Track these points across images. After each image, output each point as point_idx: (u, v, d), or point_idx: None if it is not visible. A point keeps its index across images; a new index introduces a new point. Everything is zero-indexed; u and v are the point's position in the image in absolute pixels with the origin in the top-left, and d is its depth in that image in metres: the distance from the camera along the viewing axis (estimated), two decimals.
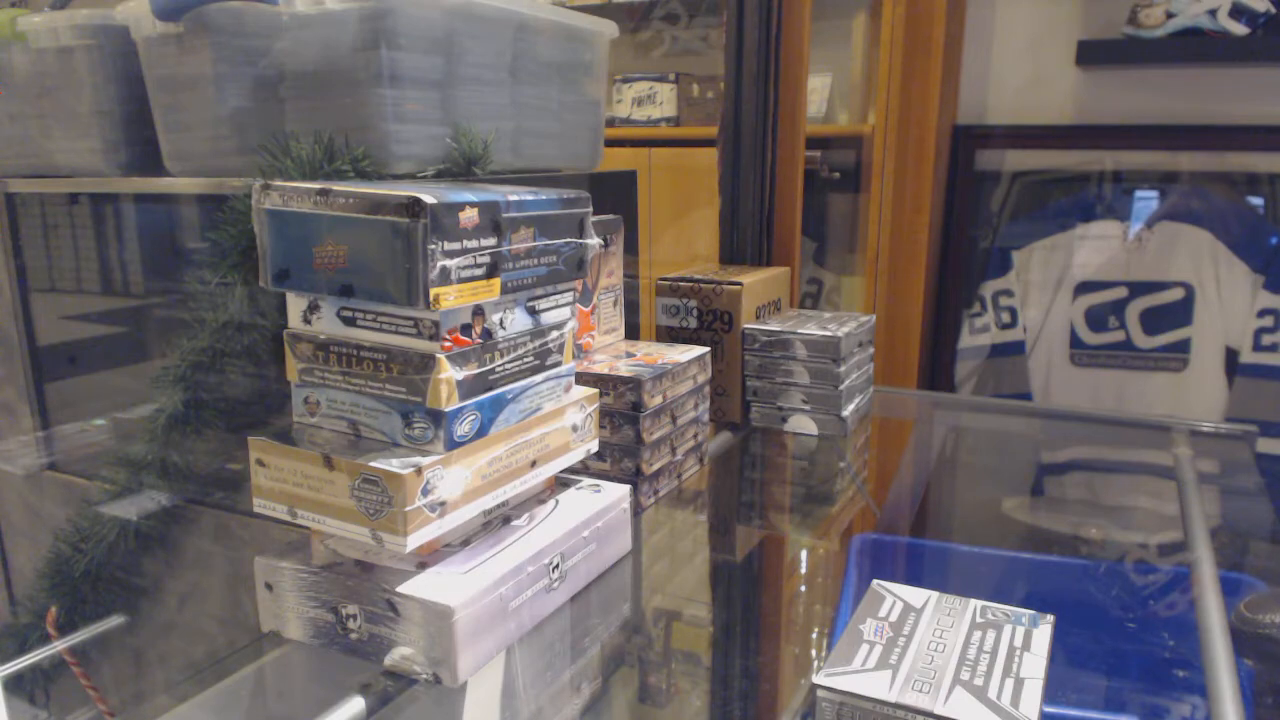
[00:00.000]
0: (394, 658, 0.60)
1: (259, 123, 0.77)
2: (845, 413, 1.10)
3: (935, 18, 1.89)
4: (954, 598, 0.70)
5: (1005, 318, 2.10)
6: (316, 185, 0.59)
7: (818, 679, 0.60)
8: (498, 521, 0.69)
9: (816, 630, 1.14)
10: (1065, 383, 2.08)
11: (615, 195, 1.05)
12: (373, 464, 0.57)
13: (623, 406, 0.85)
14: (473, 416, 0.62)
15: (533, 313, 0.67)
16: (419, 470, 0.57)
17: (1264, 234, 1.92)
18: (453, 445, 0.60)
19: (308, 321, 0.63)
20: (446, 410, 0.59)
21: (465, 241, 0.58)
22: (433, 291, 0.56)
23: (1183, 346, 1.98)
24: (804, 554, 1.25)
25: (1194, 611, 0.71)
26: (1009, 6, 2.09)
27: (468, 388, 0.61)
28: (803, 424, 1.12)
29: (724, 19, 1.30)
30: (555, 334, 0.70)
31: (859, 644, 0.64)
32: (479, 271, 0.60)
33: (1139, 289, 2.01)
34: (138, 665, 0.92)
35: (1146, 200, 2.01)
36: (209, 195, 0.79)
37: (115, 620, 0.89)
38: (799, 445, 1.23)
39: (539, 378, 0.69)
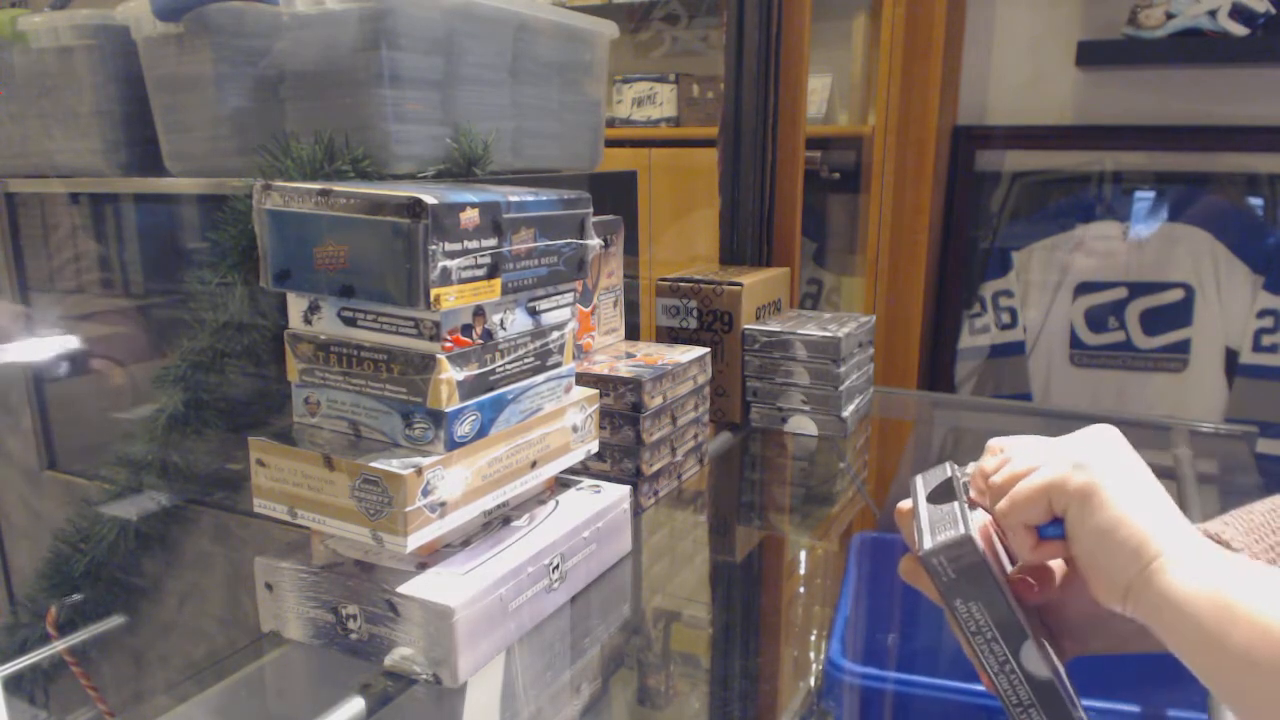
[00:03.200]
0: (394, 658, 0.60)
1: (259, 123, 0.77)
2: (845, 413, 1.10)
3: (935, 18, 1.89)
4: None
5: (1005, 318, 2.10)
6: (317, 186, 0.59)
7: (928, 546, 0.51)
8: (498, 522, 0.69)
9: (816, 631, 1.14)
10: (1065, 383, 2.08)
11: (615, 195, 1.05)
12: (373, 464, 0.57)
13: (623, 407, 0.85)
14: (473, 417, 0.62)
15: (533, 313, 0.67)
16: (419, 470, 0.57)
17: (1264, 234, 1.92)
18: (453, 445, 0.60)
19: (308, 322, 0.63)
20: (447, 410, 0.59)
21: (466, 242, 0.58)
22: (433, 292, 0.56)
23: (1183, 347, 1.98)
24: (804, 554, 1.25)
25: None
26: (1009, 6, 2.09)
27: (468, 388, 0.61)
28: (803, 424, 1.12)
29: (724, 19, 1.30)
30: (555, 334, 0.70)
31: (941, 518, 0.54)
32: (480, 272, 0.60)
33: (1139, 289, 2.01)
34: (138, 665, 0.92)
35: (1146, 200, 2.01)
36: (209, 195, 0.78)
37: (115, 620, 0.89)
38: (799, 445, 1.23)
39: (539, 378, 0.69)
